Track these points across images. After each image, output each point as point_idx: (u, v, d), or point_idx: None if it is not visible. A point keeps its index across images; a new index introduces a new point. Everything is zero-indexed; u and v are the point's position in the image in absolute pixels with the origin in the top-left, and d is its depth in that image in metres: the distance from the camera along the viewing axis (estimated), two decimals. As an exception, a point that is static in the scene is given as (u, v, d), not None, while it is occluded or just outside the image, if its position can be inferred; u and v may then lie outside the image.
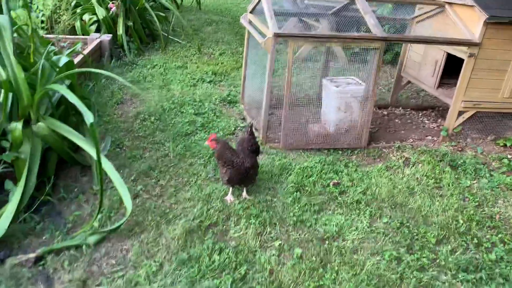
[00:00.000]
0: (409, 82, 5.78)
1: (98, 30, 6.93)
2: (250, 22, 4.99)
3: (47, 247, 2.89)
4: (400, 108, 5.79)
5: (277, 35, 4.05)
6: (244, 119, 5.10)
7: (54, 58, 3.51)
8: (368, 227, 3.37)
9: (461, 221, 3.52)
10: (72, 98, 2.66)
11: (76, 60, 5.18)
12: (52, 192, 3.43)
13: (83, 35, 6.69)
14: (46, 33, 6.15)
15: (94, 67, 5.97)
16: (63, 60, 3.49)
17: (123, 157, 4.05)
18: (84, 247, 2.94)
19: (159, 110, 5.06)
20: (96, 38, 6.29)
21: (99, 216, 3.18)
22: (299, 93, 4.91)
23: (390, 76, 7.07)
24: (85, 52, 5.72)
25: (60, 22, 6.09)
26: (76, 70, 3.31)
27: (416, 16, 5.35)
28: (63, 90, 2.83)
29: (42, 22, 5.47)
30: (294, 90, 4.39)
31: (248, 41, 5.25)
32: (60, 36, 6.07)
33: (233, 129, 4.79)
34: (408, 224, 3.45)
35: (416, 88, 6.48)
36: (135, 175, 3.80)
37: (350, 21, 5.17)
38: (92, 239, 2.98)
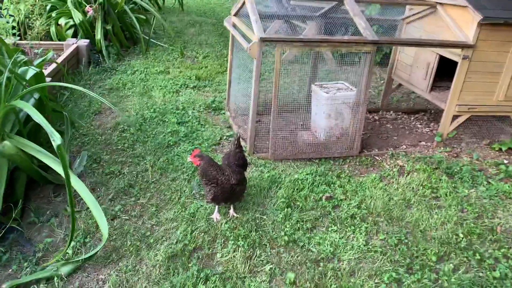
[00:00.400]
0: (400, 85, 5.59)
1: (75, 35, 6.61)
2: (234, 26, 4.75)
3: (14, 280, 2.61)
4: (392, 112, 5.60)
5: (263, 40, 3.81)
6: (230, 127, 4.85)
7: (21, 69, 3.21)
8: (364, 245, 3.15)
9: (461, 235, 3.33)
10: (37, 116, 2.39)
11: (50, 69, 4.87)
12: (21, 217, 3.14)
13: (59, 40, 6.37)
14: (19, 39, 5.82)
15: (71, 74, 5.68)
16: (31, 72, 3.20)
17: (100, 174, 3.77)
18: (55, 279, 2.66)
19: (139, 120, 4.77)
20: (73, 44, 5.97)
21: (73, 243, 2.90)
22: (287, 98, 4.68)
23: (380, 78, 6.88)
24: (61, 58, 5.41)
25: (33, 27, 5.76)
26: (43, 84, 3.02)
27: (407, 17, 5.16)
28: (27, 107, 2.55)
29: (14, 28, 5.14)
30: (282, 95, 4.16)
31: (232, 45, 4.99)
32: (34, 42, 5.74)
33: (218, 138, 4.54)
34: (406, 240, 3.24)
35: (406, 90, 6.30)
36: (113, 194, 3.53)
37: (338, 23, 4.96)
38: (64, 270, 2.71)
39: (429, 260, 3.07)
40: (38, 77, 3.39)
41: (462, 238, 3.30)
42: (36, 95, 3.24)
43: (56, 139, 2.28)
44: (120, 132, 4.51)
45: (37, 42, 5.85)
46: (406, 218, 3.50)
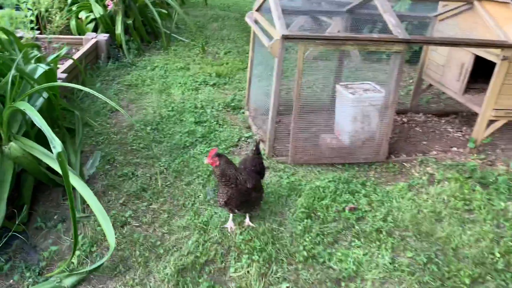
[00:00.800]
0: (430, 85, 5.24)
1: (96, 29, 6.46)
2: (256, 21, 4.49)
3: (14, 293, 2.45)
4: (421, 114, 5.25)
5: (285, 38, 3.55)
6: (249, 128, 4.61)
7: (30, 67, 3.05)
8: (390, 264, 2.87)
9: (498, 255, 3.02)
10: (38, 120, 2.20)
11: (66, 65, 4.73)
12: (28, 221, 2.99)
13: (79, 34, 6.24)
14: (39, 33, 5.70)
15: (89, 70, 5.54)
16: (40, 70, 3.02)
17: (112, 176, 3.59)
18: (58, 291, 2.49)
19: (156, 119, 4.58)
20: (92, 38, 5.82)
21: (78, 252, 2.73)
22: (310, 97, 4.42)
23: (408, 77, 6.52)
24: (79, 53, 5.26)
25: (53, 21, 5.63)
26: (47, 84, 2.84)
27: (440, 14, 4.80)
28: (29, 109, 2.37)
29: (32, 22, 5.01)
30: (305, 94, 3.90)
31: (254, 42, 4.74)
32: (53, 36, 5.61)
33: (236, 140, 4.31)
34: (436, 259, 2.95)
35: (437, 91, 5.92)
36: (125, 198, 3.34)
37: (366, 20, 4.65)
38: (68, 282, 2.54)
39: (462, 282, 2.78)
40: (49, 74, 3.22)
41: (499, 258, 2.99)
42: (46, 94, 3.06)
43: (56, 146, 2.09)
44: (136, 131, 4.33)
45: (56, 36, 5.72)
46: (437, 233, 3.21)
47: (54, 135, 2.15)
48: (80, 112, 3.58)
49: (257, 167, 3.22)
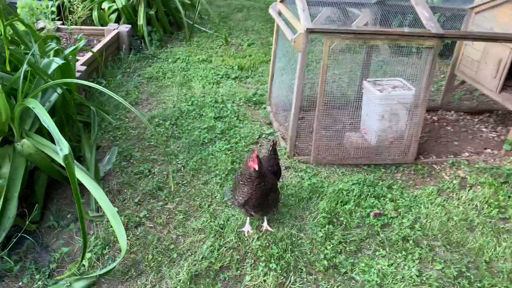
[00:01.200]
0: (463, 81, 4.93)
1: (118, 20, 6.37)
2: (280, 13, 4.28)
3: (23, 296, 2.37)
4: (452, 112, 4.95)
5: (309, 31, 3.34)
6: (270, 124, 4.43)
7: (44, 61, 2.94)
8: (417, 276, 2.67)
9: (536, 270, 2.77)
10: (46, 119, 2.09)
11: (86, 57, 4.64)
12: (40, 220, 2.91)
13: (101, 25, 6.15)
14: (61, 24, 5.64)
15: (110, 61, 5.45)
16: (54, 64, 2.92)
17: (129, 173, 3.48)
18: (67, 296, 2.40)
19: (175, 114, 4.45)
20: (114, 29, 5.72)
21: (89, 255, 2.63)
22: (335, 92, 4.19)
23: (440, 72, 6.18)
24: (100, 45, 5.17)
25: (75, 12, 5.55)
26: (59, 81, 2.72)
27: (476, 6, 4.48)
28: (38, 108, 2.25)
29: (53, 12, 4.94)
30: (330, 89, 3.69)
31: (277, 34, 4.54)
32: (74, 27, 5.54)
33: (257, 137, 4.14)
34: (468, 273, 2.73)
35: (469, 87, 5.59)
36: (140, 197, 3.23)
37: (396, 12, 4.37)
38: (78, 286, 2.45)
39: (496, 300, 2.56)
40: (64, 69, 3.12)
41: (537, 273, 2.75)
42: (60, 90, 2.95)
43: (63, 148, 1.97)
44: (154, 127, 4.22)
45: (77, 27, 5.65)
46: (468, 243, 2.98)
47: (61, 137, 2.04)
48: (97, 107, 3.47)
49: (273, 167, 3.05)
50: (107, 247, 2.75)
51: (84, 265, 2.59)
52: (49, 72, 2.87)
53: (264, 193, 2.73)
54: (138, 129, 4.15)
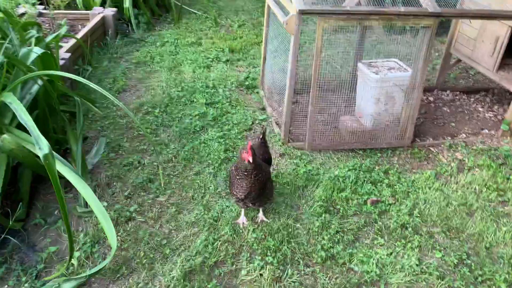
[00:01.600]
0: (459, 60, 4.81)
1: (103, 3, 6.11)
2: (270, -6, 4.10)
3: (10, 299, 2.27)
4: (448, 92, 4.84)
5: (302, 13, 3.18)
6: (263, 109, 4.30)
7: (23, 51, 2.77)
8: (417, 265, 2.60)
9: (537, 255, 2.71)
10: (23, 115, 1.94)
11: (70, 43, 4.44)
12: (26, 218, 2.79)
13: (86, 9, 5.91)
14: (43, 9, 5.41)
15: (96, 47, 5.25)
16: (33, 55, 2.75)
17: (118, 165, 3.36)
18: (56, 297, 2.30)
19: (165, 100, 4.30)
20: (99, 13, 5.50)
21: (77, 253, 2.53)
22: (329, 74, 4.07)
23: (434, 50, 6.04)
24: (84, 30, 4.96)
25: (57, -5, 5.32)
26: (37, 73, 2.55)
27: (473, -19, 4.32)
28: (14, 103, 2.11)
29: (35, -3, 4.73)
30: (323, 70, 3.56)
31: (268, 16, 4.36)
32: (58, 12, 5.31)
33: (250, 123, 4.01)
34: (468, 260, 2.67)
35: (465, 65, 5.47)
36: (130, 190, 3.11)
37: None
38: (67, 287, 2.34)
39: (497, 287, 2.50)
40: (45, 58, 2.95)
41: (538, 258, 2.69)
42: (41, 80, 2.79)
43: (42, 146, 1.84)
44: (143, 115, 4.07)
45: (60, 11, 5.42)
46: (468, 229, 2.91)
47: (40, 135, 1.90)
48: (82, 97, 3.31)
49: (264, 155, 2.94)
50: (96, 244, 2.64)
51: (73, 265, 2.49)
52: (29, 62, 2.71)
53: (262, 183, 2.63)
54: (126, 117, 4.00)
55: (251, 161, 2.46)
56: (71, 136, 3.12)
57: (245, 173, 2.55)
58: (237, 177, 2.58)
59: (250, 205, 2.76)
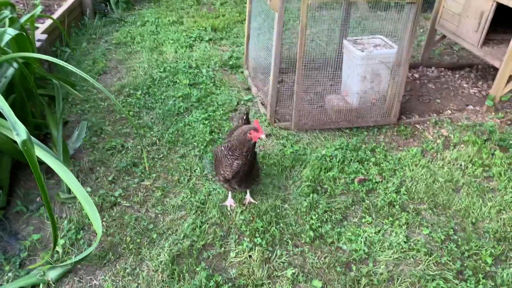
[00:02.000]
0: (444, 36, 4.80)
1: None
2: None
3: (-7, 289, 2.22)
4: (433, 68, 4.84)
5: (286, -11, 3.11)
6: (249, 89, 4.25)
7: (-4, 32, 2.65)
8: (405, 243, 2.62)
9: (522, 228, 2.76)
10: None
11: (46, 24, 4.29)
12: (7, 206, 2.72)
13: (61, -12, 5.70)
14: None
15: (74, 28, 5.09)
16: (6, 36, 2.63)
17: (100, 149, 3.28)
18: (41, 286, 2.26)
19: (147, 82, 4.21)
20: (75, -8, 5.31)
21: (62, 241, 2.48)
22: (314, 51, 4.02)
23: (420, 27, 6.02)
24: (60, 11, 4.80)
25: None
26: (14, 55, 2.45)
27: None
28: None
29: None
30: (308, 48, 3.51)
31: (251, -7, 4.26)
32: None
33: (235, 104, 3.96)
34: (455, 236, 2.70)
35: (449, 41, 5.47)
36: (114, 174, 3.06)
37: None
38: (52, 275, 2.31)
39: (484, 262, 2.53)
40: (20, 40, 2.83)
41: (523, 232, 2.74)
42: (17, 63, 2.69)
43: (20, 132, 1.77)
44: (125, 97, 3.98)
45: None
46: (454, 205, 2.94)
47: (17, 120, 1.83)
48: (60, 80, 3.21)
49: None
50: (81, 231, 2.59)
51: (58, 252, 2.44)
52: (2, 44, 2.59)
53: (251, 164, 2.61)
54: (107, 100, 3.90)
55: (264, 138, 2.47)
56: (50, 121, 3.03)
57: (244, 154, 2.51)
58: (229, 156, 2.53)
59: (236, 187, 2.72)
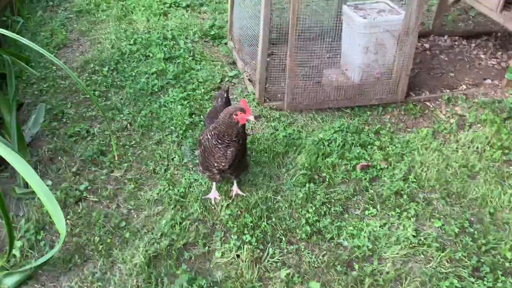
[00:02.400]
0: (457, 0, 4.81)
1: None
2: None
3: None
4: (446, 37, 4.86)
5: None
6: (234, 63, 4.24)
7: None
8: (414, 237, 2.67)
9: (546, 219, 2.82)
10: None
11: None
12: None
13: None
14: None
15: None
16: None
17: (62, 136, 3.27)
18: (-3, 295, 2.26)
19: (115, 56, 4.18)
20: (27, -49, 5.21)
21: (20, 243, 2.47)
22: (309, 19, 4.00)
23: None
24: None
25: None
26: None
27: None
28: None
29: None
30: (302, 15, 3.51)
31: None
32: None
33: (218, 81, 3.96)
34: (470, 228, 2.75)
35: (464, 5, 5.48)
36: (79, 165, 3.05)
37: None
38: (9, 282, 2.32)
39: (503, 257, 2.59)
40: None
41: (547, 222, 2.80)
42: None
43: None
44: (89, 74, 3.96)
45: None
46: (470, 193, 2.99)
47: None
48: (12, 56, 3.16)
49: None
50: (42, 231, 2.60)
51: (14, 256, 2.44)
52: None
53: (244, 148, 2.65)
54: (69, 78, 3.87)
55: (252, 119, 2.51)
56: (2, 104, 3.00)
57: (234, 139, 2.52)
58: (220, 146, 2.53)
59: (228, 175, 2.74)
